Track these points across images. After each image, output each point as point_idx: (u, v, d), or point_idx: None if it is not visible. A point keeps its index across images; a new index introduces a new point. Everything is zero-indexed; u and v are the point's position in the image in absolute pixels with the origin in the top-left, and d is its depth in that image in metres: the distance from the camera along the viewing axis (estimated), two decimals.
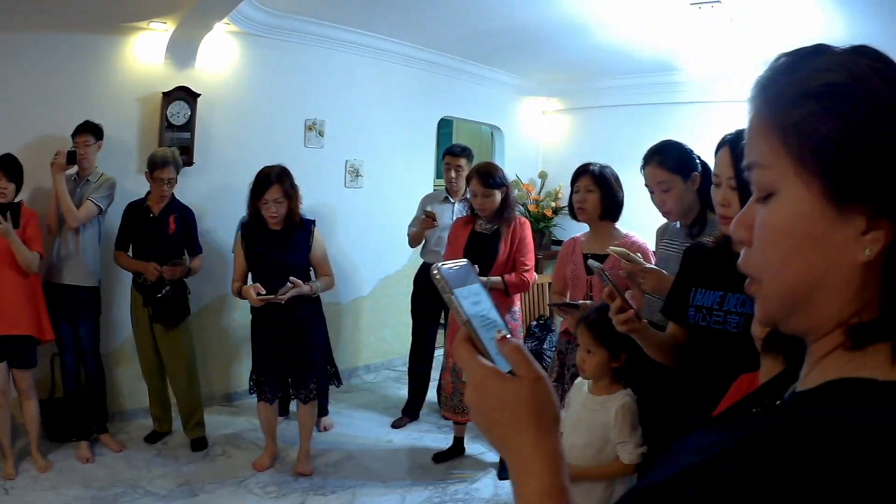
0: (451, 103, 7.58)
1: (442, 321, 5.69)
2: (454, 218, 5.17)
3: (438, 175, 7.43)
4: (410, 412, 5.70)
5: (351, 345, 6.83)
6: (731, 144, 2.18)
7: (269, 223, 4.42)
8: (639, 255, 3.14)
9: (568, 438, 2.96)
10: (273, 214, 4.37)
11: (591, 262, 2.58)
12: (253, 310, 4.53)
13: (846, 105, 0.68)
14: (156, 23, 5.12)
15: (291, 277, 4.33)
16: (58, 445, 4.75)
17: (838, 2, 4.68)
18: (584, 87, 8.00)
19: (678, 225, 3.20)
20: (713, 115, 6.29)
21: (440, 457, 4.97)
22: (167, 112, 5.28)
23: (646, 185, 3.17)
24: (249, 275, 4.54)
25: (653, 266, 2.93)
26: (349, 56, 6.39)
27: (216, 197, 5.64)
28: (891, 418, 0.61)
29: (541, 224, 7.97)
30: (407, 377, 5.81)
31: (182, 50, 5.30)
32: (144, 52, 5.24)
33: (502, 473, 4.67)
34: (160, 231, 4.79)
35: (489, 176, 4.45)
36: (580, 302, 3.64)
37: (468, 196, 4.73)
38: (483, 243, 4.53)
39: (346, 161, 6.56)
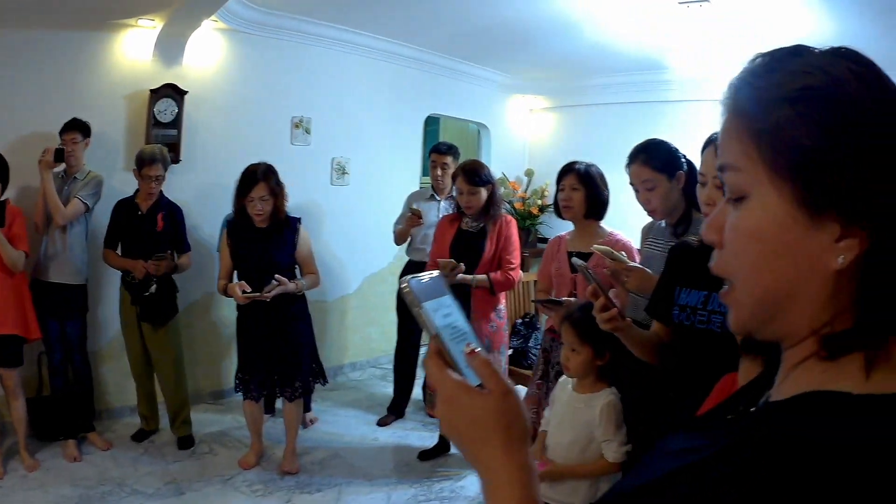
0: (437, 101, 7.58)
1: None
2: (440, 216, 5.16)
3: (425, 173, 7.41)
4: (396, 410, 5.70)
5: (337, 342, 6.82)
6: (717, 143, 2.18)
7: (255, 221, 4.41)
8: (623, 253, 3.14)
9: (553, 436, 2.98)
10: (259, 212, 4.37)
11: (574, 260, 2.58)
12: (239, 308, 4.52)
13: (823, 110, 0.66)
14: (144, 20, 5.11)
15: (277, 275, 4.32)
16: (45, 444, 4.73)
17: (825, 1, 4.69)
18: (572, 85, 8.01)
19: (663, 224, 3.21)
20: (701, 114, 6.25)
21: (426, 454, 4.97)
22: (154, 109, 5.26)
23: (630, 183, 3.18)
24: (235, 273, 4.54)
25: (637, 264, 2.95)
26: (336, 53, 6.38)
27: (203, 194, 5.63)
28: (863, 431, 0.60)
29: (527, 222, 7.99)
30: (392, 375, 5.81)
31: (170, 47, 5.29)
32: (132, 49, 5.22)
33: None
34: (148, 229, 4.77)
35: (474, 174, 4.46)
36: (563, 298, 3.64)
37: (454, 194, 4.73)
38: (469, 241, 4.54)
39: (333, 158, 6.56)
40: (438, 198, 5.53)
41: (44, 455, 4.63)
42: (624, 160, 3.21)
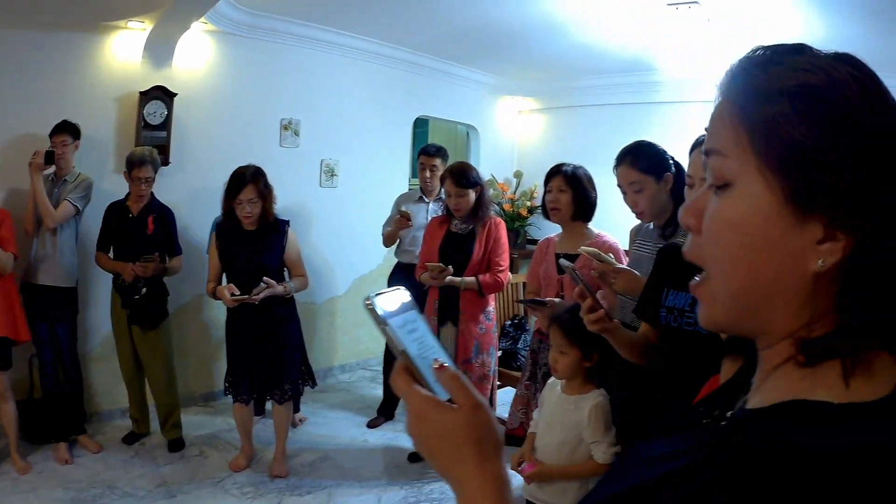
0: (426, 103, 7.59)
1: None
2: (429, 218, 5.18)
3: (414, 175, 7.43)
4: (386, 412, 5.70)
5: (326, 345, 6.83)
6: (707, 131, 2.19)
7: (244, 223, 4.41)
8: (610, 255, 3.14)
9: (542, 438, 2.99)
10: (247, 214, 4.37)
11: (562, 261, 2.60)
12: (228, 310, 4.52)
13: (820, 109, 0.66)
14: (133, 22, 5.10)
15: (265, 278, 4.32)
16: (37, 447, 4.72)
17: (816, 4, 4.72)
18: (561, 87, 8.03)
19: (651, 226, 3.21)
20: (689, 116, 6.27)
21: (416, 456, 4.95)
22: (144, 111, 5.26)
23: (618, 185, 3.18)
24: (224, 275, 4.54)
25: (624, 266, 2.95)
26: (325, 55, 6.39)
27: (192, 196, 5.62)
28: (847, 438, 0.60)
29: (516, 223, 8.00)
30: (382, 377, 5.81)
31: (159, 49, 5.28)
32: (122, 51, 5.21)
33: None
34: (139, 232, 4.77)
35: (462, 176, 4.47)
36: (547, 299, 3.64)
37: (443, 196, 4.74)
38: (458, 243, 4.55)
39: (322, 161, 6.56)
40: (427, 200, 5.54)
41: (35, 458, 4.62)
42: (612, 162, 3.21)
